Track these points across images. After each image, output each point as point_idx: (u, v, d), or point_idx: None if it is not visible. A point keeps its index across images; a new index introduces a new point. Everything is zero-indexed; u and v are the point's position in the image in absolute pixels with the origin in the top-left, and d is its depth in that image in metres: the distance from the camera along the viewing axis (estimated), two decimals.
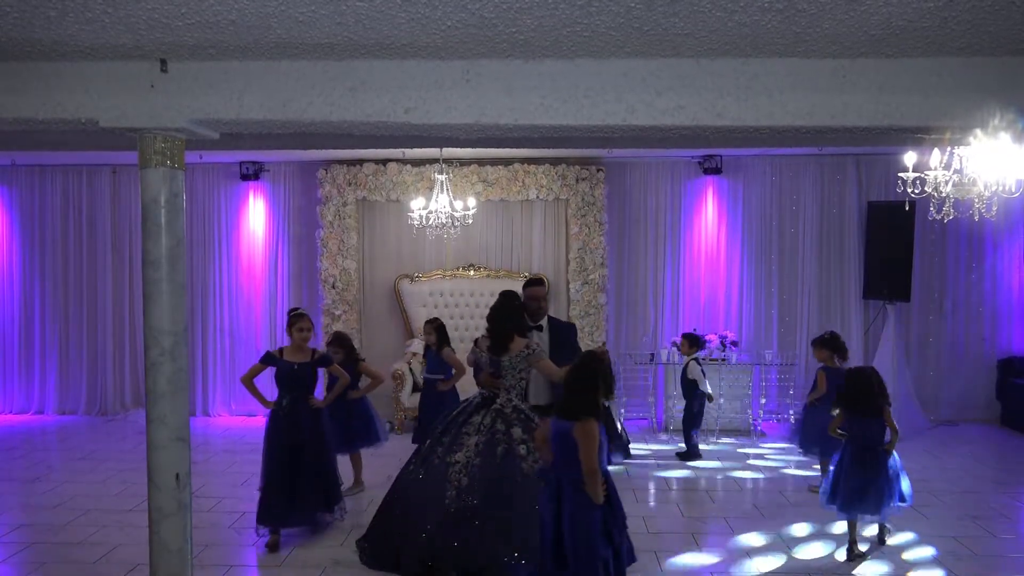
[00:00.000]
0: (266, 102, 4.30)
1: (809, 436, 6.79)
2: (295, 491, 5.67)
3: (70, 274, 10.13)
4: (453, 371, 6.85)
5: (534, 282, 6.03)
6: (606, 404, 7.69)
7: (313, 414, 5.87)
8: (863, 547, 5.55)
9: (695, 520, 6.31)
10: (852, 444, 5.45)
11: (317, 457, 5.81)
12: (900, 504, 5.48)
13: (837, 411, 5.63)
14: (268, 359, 5.86)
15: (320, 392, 6.19)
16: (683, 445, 8.17)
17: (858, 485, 5.34)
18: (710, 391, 8.19)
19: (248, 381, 5.85)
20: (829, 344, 6.85)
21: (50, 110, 4.35)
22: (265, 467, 5.78)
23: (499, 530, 4.77)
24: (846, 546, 5.53)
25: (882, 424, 5.42)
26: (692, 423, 8.14)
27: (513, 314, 5.29)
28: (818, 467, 7.06)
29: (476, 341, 5.40)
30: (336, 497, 5.94)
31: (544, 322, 5.84)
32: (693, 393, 8.16)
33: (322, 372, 6.22)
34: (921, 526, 6.11)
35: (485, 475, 4.89)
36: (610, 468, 7.54)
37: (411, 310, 9.61)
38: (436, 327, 6.99)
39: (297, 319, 5.91)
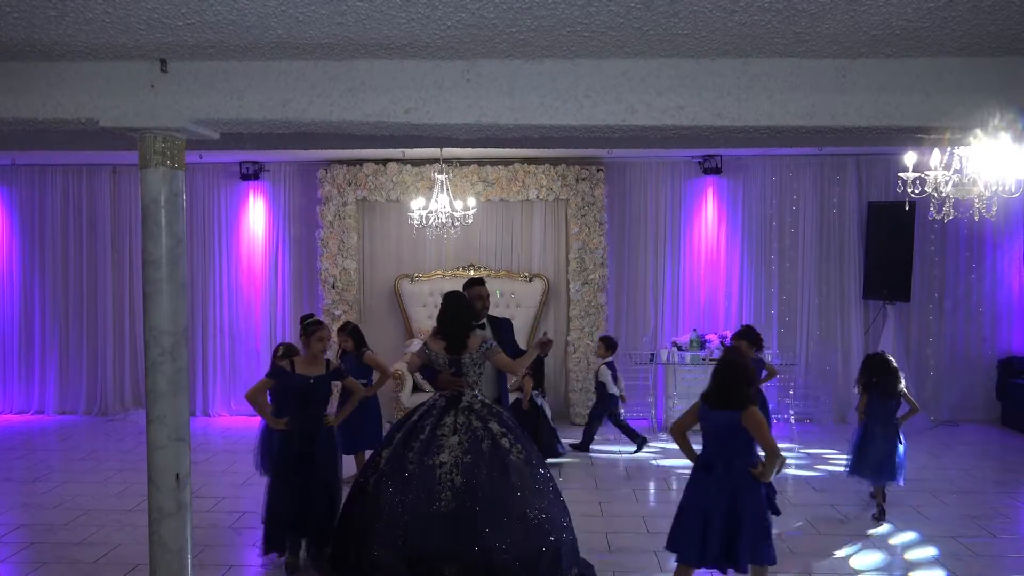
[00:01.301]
0: (266, 102, 4.30)
1: None
2: (305, 518, 5.23)
3: (70, 274, 10.13)
4: (375, 374, 6.75)
5: (477, 282, 6.15)
6: (538, 400, 7.78)
7: (328, 433, 5.39)
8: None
9: None
10: (876, 421, 6.32)
11: (329, 483, 5.36)
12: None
13: (860, 392, 6.50)
14: (278, 373, 5.31)
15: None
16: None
17: (884, 455, 6.24)
18: (621, 392, 8.37)
19: (255, 397, 5.31)
20: (748, 336, 7.12)
21: (50, 110, 4.35)
22: (272, 495, 5.29)
23: (496, 524, 4.76)
24: (875, 511, 6.33)
25: (898, 401, 6.37)
26: (596, 421, 8.40)
27: (466, 313, 5.34)
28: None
29: (425, 344, 5.32)
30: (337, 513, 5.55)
31: (485, 320, 5.95)
32: (603, 395, 8.34)
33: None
34: (921, 526, 6.11)
35: (480, 471, 4.86)
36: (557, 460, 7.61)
37: (411, 310, 9.61)
38: (351, 331, 6.91)
39: (316, 327, 5.39)
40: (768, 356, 9.11)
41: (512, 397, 7.38)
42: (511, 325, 6.23)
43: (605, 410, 8.39)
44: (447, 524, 4.76)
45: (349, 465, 6.83)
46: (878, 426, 6.30)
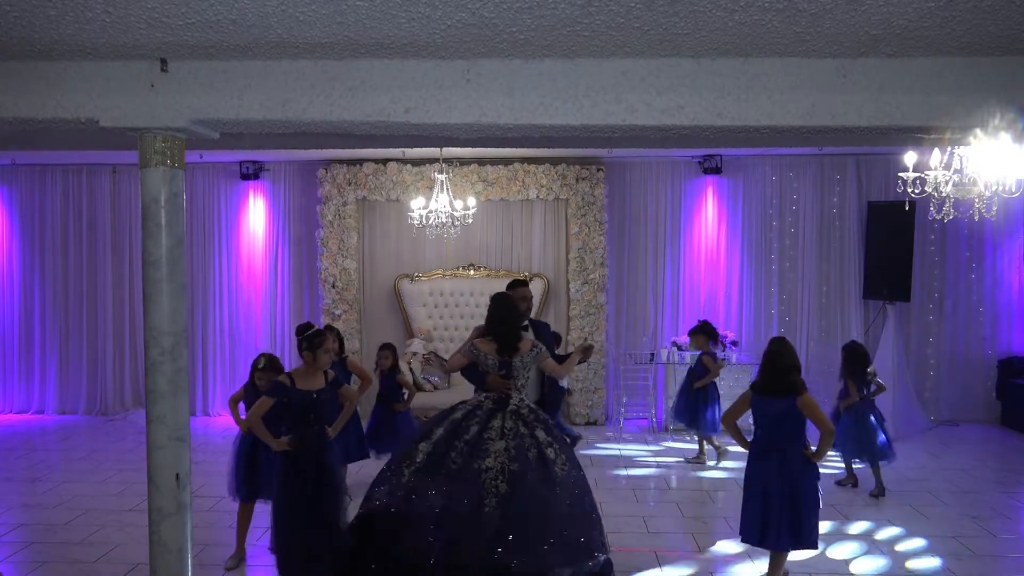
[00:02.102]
0: (266, 102, 4.30)
1: (701, 416, 7.80)
2: (325, 541, 4.85)
3: (70, 274, 10.13)
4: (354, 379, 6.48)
5: (520, 283, 6.04)
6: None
7: (331, 449, 5.03)
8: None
9: (695, 520, 6.31)
10: (866, 406, 6.84)
11: (338, 500, 4.97)
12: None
13: (847, 384, 6.91)
14: (280, 390, 4.80)
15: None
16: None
17: (875, 437, 6.79)
18: (570, 386, 8.43)
19: (257, 421, 4.86)
20: (705, 331, 7.83)
21: (50, 110, 4.35)
22: (284, 525, 4.81)
23: (539, 538, 4.62)
24: (877, 488, 6.82)
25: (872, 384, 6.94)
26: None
27: (516, 315, 5.28)
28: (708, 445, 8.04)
29: (473, 344, 5.20)
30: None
31: (526, 322, 5.92)
32: (554, 387, 8.27)
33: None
34: (921, 526, 6.11)
35: (526, 482, 4.73)
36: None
37: (411, 310, 9.61)
38: (336, 336, 6.53)
39: (322, 337, 4.92)
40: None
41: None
42: (549, 327, 6.17)
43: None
44: (487, 531, 4.61)
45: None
46: (864, 410, 6.84)
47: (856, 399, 6.85)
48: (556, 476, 4.81)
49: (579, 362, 5.55)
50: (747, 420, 5.36)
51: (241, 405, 5.68)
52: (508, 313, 5.19)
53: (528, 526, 4.63)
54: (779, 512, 4.65)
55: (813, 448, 4.80)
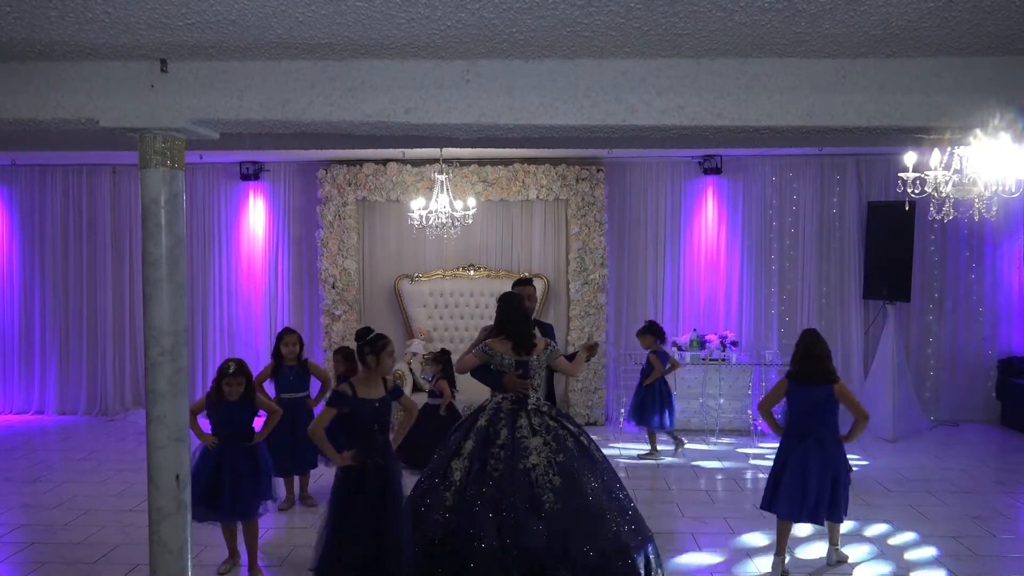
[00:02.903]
0: (266, 102, 4.30)
1: (647, 411, 8.08)
2: (388, 559, 4.51)
3: (70, 274, 10.13)
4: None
5: (526, 281, 6.03)
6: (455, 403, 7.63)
7: (396, 461, 4.68)
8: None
9: (695, 520, 6.31)
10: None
11: (402, 516, 4.64)
12: None
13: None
14: (340, 400, 4.50)
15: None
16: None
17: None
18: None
19: (321, 434, 4.56)
20: (652, 331, 8.09)
21: (50, 110, 4.34)
22: (343, 544, 4.46)
23: (601, 522, 4.71)
24: None
25: None
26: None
27: (526, 313, 5.30)
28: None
29: (486, 345, 5.13)
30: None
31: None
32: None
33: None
34: (921, 526, 6.11)
35: (575, 469, 4.80)
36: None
37: (411, 310, 9.61)
38: (299, 338, 6.51)
39: (385, 341, 4.63)
40: (768, 356, 9.15)
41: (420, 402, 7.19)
42: (553, 328, 6.19)
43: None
44: (556, 525, 4.64)
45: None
46: None
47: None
48: (599, 463, 4.96)
49: (586, 359, 5.56)
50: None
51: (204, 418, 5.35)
52: (517, 312, 5.19)
53: (589, 514, 4.70)
54: (819, 490, 5.05)
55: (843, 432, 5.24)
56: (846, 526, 5.68)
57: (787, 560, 5.29)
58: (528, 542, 4.61)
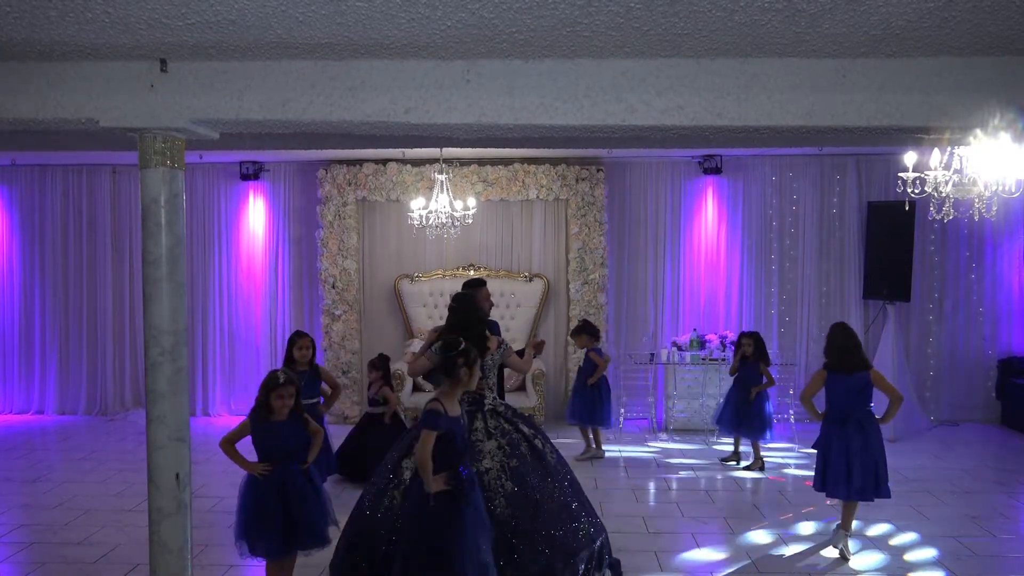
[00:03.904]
0: (266, 102, 4.30)
1: (599, 412, 8.08)
2: None
3: (70, 274, 10.13)
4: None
5: (480, 282, 6.12)
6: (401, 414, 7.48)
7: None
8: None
9: (695, 520, 6.31)
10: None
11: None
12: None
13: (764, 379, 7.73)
14: (440, 420, 4.07)
15: None
16: None
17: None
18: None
19: (428, 460, 4.03)
20: (587, 330, 8.08)
21: (50, 110, 4.35)
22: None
23: (552, 526, 4.70)
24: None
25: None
26: None
27: (480, 314, 5.31)
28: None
29: (434, 347, 4.92)
30: None
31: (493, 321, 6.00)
32: None
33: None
34: (921, 526, 6.11)
35: (527, 475, 4.79)
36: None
37: (411, 310, 9.61)
38: (311, 342, 6.24)
39: (475, 354, 4.28)
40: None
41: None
42: (498, 325, 6.29)
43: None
44: (504, 531, 4.61)
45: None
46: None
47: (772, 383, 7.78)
48: (550, 466, 4.91)
49: (535, 356, 5.69)
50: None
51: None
52: (472, 313, 5.18)
53: (540, 520, 4.69)
54: (863, 471, 5.44)
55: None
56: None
57: (849, 535, 5.63)
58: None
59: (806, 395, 5.73)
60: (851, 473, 5.45)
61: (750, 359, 7.74)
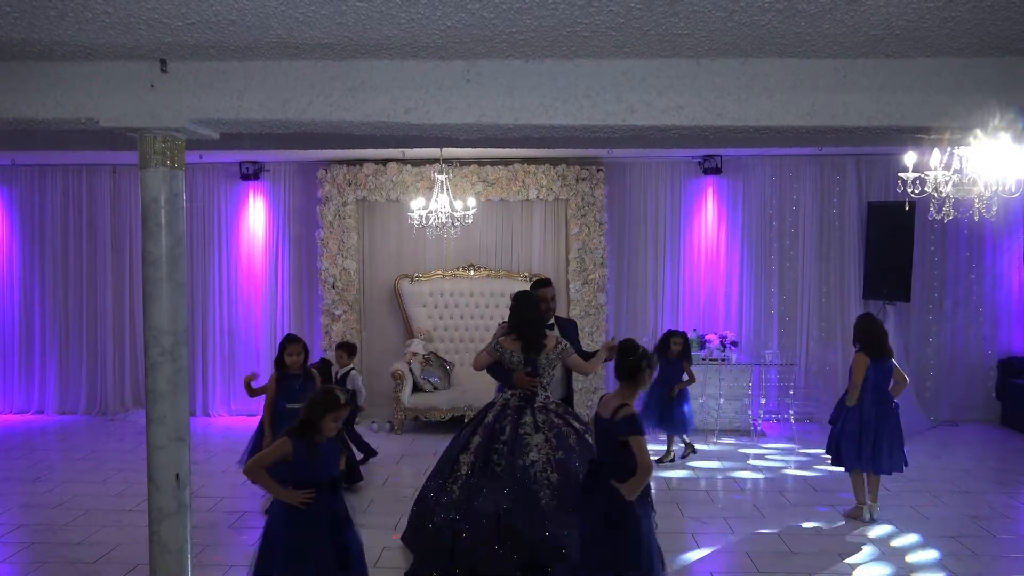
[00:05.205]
0: (266, 102, 4.30)
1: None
2: None
3: (70, 274, 10.13)
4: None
5: (544, 283, 6.01)
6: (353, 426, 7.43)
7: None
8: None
9: (695, 520, 6.31)
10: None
11: None
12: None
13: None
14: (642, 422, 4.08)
15: None
16: None
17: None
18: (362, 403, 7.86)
19: (651, 464, 4.05)
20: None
21: (50, 110, 4.35)
22: None
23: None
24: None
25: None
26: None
27: (538, 312, 5.36)
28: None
29: (499, 342, 5.28)
30: None
31: (553, 321, 5.90)
32: (355, 404, 7.48)
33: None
34: (921, 526, 6.11)
35: (573, 467, 4.88)
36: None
37: (411, 310, 9.61)
38: (303, 347, 6.18)
39: (650, 359, 4.27)
40: (768, 356, 9.15)
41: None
42: (576, 326, 6.24)
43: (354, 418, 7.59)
44: (551, 521, 4.75)
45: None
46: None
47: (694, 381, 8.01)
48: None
49: (605, 360, 5.52)
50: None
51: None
52: (529, 311, 5.26)
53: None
54: (891, 444, 6.12)
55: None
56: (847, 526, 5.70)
57: (868, 505, 6.22)
58: (524, 538, 4.74)
59: (857, 382, 6.14)
60: (878, 449, 6.08)
61: (675, 357, 7.86)
